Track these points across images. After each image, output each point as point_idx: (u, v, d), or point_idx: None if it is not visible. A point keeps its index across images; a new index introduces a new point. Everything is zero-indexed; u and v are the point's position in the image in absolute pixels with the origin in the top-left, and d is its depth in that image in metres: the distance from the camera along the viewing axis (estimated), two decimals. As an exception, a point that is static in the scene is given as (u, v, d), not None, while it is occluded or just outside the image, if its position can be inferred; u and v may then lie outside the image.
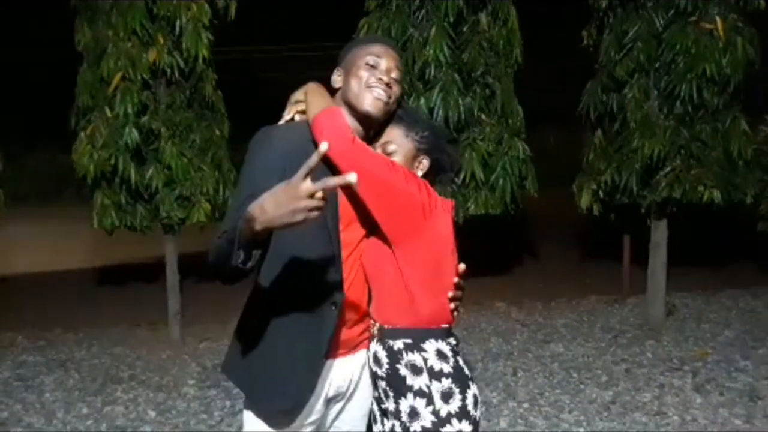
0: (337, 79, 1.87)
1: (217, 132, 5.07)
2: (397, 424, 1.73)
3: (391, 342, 1.75)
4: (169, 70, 4.77)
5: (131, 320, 5.89)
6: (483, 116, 5.16)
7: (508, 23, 5.18)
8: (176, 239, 5.17)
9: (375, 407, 1.90)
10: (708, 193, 4.77)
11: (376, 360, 1.78)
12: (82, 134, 4.83)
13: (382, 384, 1.79)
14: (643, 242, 5.35)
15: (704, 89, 4.71)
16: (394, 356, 1.74)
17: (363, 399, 1.95)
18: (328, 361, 1.83)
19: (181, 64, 4.78)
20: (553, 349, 4.86)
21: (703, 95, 4.73)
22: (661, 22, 4.79)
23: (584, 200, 5.21)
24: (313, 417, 1.87)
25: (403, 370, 1.73)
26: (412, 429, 1.69)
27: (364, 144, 1.76)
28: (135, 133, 4.73)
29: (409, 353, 1.73)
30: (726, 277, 6.56)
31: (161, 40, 4.74)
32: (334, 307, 1.76)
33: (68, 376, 4.63)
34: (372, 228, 1.80)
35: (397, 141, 1.84)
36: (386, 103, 1.80)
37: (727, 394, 4.00)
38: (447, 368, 1.74)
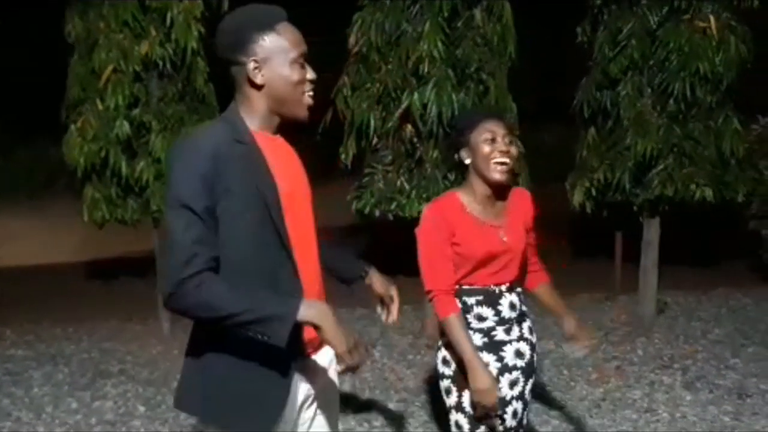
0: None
1: (209, 126, 5.04)
2: (523, 344, 2.43)
3: (520, 290, 2.50)
4: (160, 63, 4.74)
5: (122, 315, 5.86)
6: (476, 112, 5.14)
7: (502, 19, 5.15)
8: (167, 233, 5.14)
9: (511, 346, 2.41)
10: (700, 192, 4.78)
11: (512, 306, 2.42)
12: (72, 127, 4.79)
13: (508, 324, 2.42)
14: (635, 240, 5.35)
15: (697, 87, 4.71)
16: (522, 301, 2.50)
17: (331, 404, 1.96)
18: (295, 362, 1.74)
19: (172, 56, 4.74)
20: (544, 346, 4.85)
21: (697, 93, 4.73)
22: (655, 19, 4.78)
23: (577, 197, 5.20)
24: (287, 426, 1.78)
25: (524, 308, 2.51)
26: (533, 340, 2.49)
27: None
28: (126, 126, 4.70)
29: (523, 297, 2.53)
30: (717, 275, 6.57)
31: (153, 32, 4.70)
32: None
33: (57, 371, 4.60)
34: None
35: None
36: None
37: (716, 392, 4.01)
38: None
